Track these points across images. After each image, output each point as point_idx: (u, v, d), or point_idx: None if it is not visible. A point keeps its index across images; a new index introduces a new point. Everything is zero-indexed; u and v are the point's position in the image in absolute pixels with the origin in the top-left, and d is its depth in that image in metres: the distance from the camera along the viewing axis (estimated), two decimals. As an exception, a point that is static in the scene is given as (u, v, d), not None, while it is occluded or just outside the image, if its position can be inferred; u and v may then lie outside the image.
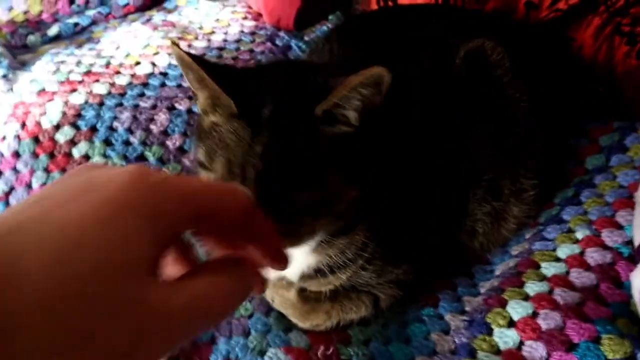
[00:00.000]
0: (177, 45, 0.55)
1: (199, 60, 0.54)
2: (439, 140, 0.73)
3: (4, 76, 0.92)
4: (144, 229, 0.27)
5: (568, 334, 0.61)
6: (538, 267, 0.71)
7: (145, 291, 0.26)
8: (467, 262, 0.80)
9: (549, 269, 0.70)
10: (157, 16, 1.11)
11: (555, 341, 0.61)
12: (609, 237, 0.70)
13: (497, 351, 0.64)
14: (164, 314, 0.27)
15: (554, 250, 0.73)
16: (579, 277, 0.68)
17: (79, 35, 1.10)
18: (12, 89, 0.90)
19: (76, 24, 1.12)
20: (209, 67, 0.54)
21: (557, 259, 0.71)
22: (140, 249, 0.27)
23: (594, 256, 0.69)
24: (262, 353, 0.65)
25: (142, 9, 1.16)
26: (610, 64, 0.87)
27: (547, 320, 0.63)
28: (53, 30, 1.10)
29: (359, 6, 1.09)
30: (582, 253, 0.70)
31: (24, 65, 0.97)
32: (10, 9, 1.11)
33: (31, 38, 1.09)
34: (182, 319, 0.28)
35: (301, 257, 0.63)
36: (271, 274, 0.70)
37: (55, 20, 1.13)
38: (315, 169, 0.53)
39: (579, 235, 0.72)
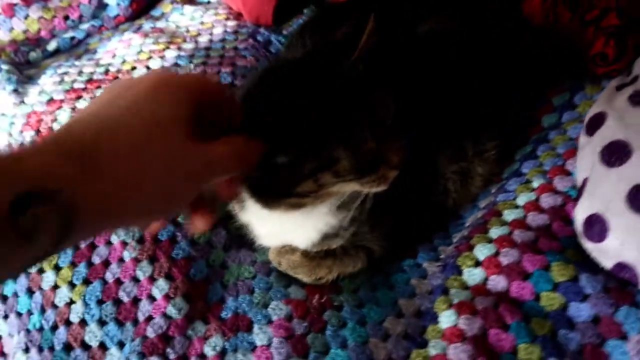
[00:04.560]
0: None
1: None
2: (409, 110, 0.82)
3: (15, 90, 1.02)
4: (178, 95, 0.45)
5: (524, 266, 0.72)
6: (500, 215, 0.82)
7: (186, 140, 0.44)
8: (443, 218, 0.90)
9: (510, 215, 0.80)
10: (146, 24, 1.20)
11: (514, 273, 0.72)
12: (560, 183, 0.81)
13: (466, 287, 0.74)
14: (197, 159, 0.45)
15: (514, 199, 0.83)
16: (534, 219, 0.78)
17: (76, 48, 1.20)
18: (23, 101, 1.00)
19: (72, 38, 1.21)
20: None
21: (517, 207, 0.81)
22: (180, 107, 0.44)
23: (547, 200, 0.79)
24: (266, 305, 0.75)
25: (131, 18, 1.25)
26: (558, 30, 0.96)
27: (507, 257, 0.74)
28: (52, 45, 1.20)
29: (330, -1, 1.19)
30: (537, 199, 0.81)
31: (30, 79, 1.07)
32: (11, 29, 1.21)
33: (33, 54, 1.18)
34: (210, 165, 0.46)
35: (325, 220, 0.73)
36: (275, 244, 0.80)
37: (53, 36, 1.22)
38: (382, 95, 0.64)
39: (535, 184, 0.83)
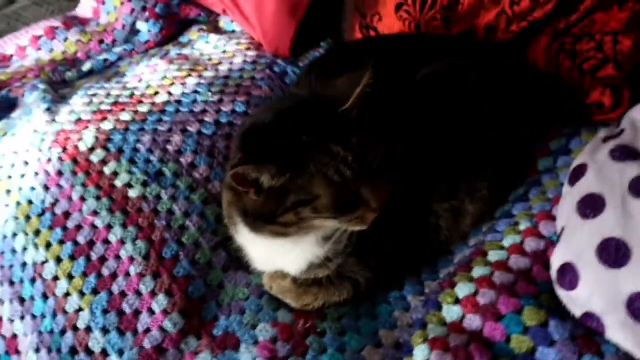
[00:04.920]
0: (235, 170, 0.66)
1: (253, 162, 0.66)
2: (406, 146, 0.87)
3: (48, 109, 1.11)
4: None
5: (499, 307, 0.75)
6: (486, 254, 0.85)
7: None
8: (433, 253, 0.94)
9: (494, 256, 0.84)
10: (173, 50, 1.29)
11: (489, 313, 0.75)
12: (545, 227, 0.83)
13: (444, 324, 0.78)
14: None
15: (501, 240, 0.86)
16: (516, 262, 0.81)
17: (108, 69, 1.29)
18: (54, 120, 1.09)
19: (105, 60, 1.31)
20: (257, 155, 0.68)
21: (502, 248, 0.84)
22: None
23: (531, 244, 0.82)
24: (254, 327, 0.81)
25: (160, 44, 1.34)
26: (559, 77, 0.99)
27: (485, 297, 0.77)
28: (86, 67, 1.30)
29: (346, 35, 1.25)
30: (522, 242, 0.84)
31: (63, 99, 1.16)
32: (51, 50, 1.32)
33: (69, 74, 1.28)
34: None
35: (312, 250, 0.79)
36: (268, 269, 0.86)
37: (88, 58, 1.32)
38: (371, 141, 0.70)
39: (522, 227, 0.86)
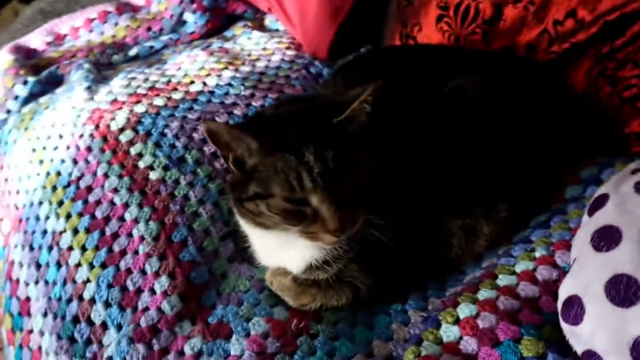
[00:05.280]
0: (210, 120, 0.71)
1: (230, 125, 0.71)
2: (422, 157, 0.85)
3: (89, 87, 1.15)
4: None
5: (497, 333, 0.72)
6: (495, 277, 0.82)
7: None
8: (443, 270, 0.91)
9: (503, 280, 0.80)
10: (216, 43, 1.31)
11: (486, 338, 0.72)
12: (561, 257, 0.80)
13: (439, 342, 0.75)
14: None
15: (513, 265, 0.82)
16: (524, 289, 0.77)
17: (152, 56, 1.34)
18: (92, 98, 1.13)
19: (151, 47, 1.35)
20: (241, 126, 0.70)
21: (513, 273, 0.81)
22: None
23: (543, 273, 0.79)
24: (249, 320, 0.81)
25: (205, 36, 1.37)
26: (598, 103, 0.95)
27: (485, 321, 0.74)
28: (133, 52, 1.34)
29: (386, 42, 1.24)
30: (534, 269, 0.80)
31: (105, 80, 1.21)
32: (102, 33, 1.37)
33: (115, 57, 1.33)
34: None
35: (310, 252, 0.78)
36: (272, 265, 0.86)
37: (136, 43, 1.37)
38: (351, 161, 0.69)
39: (537, 254, 0.82)
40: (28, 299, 0.96)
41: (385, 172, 0.80)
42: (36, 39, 1.39)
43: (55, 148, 1.07)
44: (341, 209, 0.67)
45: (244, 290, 0.87)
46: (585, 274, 0.68)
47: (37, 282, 0.96)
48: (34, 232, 1.00)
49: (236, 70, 1.19)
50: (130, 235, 0.92)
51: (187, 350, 0.78)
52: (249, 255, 0.88)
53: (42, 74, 1.26)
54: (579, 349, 0.67)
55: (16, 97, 1.23)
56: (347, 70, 0.99)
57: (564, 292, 0.71)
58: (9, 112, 1.23)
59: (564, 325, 0.69)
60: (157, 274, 0.86)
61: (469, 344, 0.73)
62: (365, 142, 0.71)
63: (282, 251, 0.80)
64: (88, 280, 0.89)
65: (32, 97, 1.23)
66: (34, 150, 1.10)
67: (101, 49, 1.34)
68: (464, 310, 0.77)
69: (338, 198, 0.67)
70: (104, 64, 1.31)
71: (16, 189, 1.08)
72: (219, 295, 0.86)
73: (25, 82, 1.23)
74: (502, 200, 0.88)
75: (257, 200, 0.69)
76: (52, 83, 1.26)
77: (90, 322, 0.85)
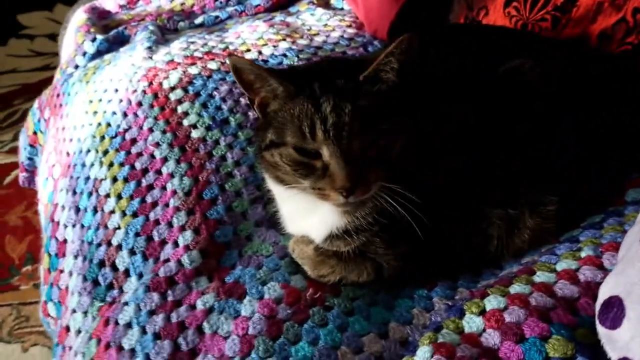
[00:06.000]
0: (235, 55, 0.70)
1: (257, 65, 0.68)
2: (465, 136, 0.79)
3: (149, 47, 1.18)
4: None
5: (523, 328, 0.65)
6: (532, 274, 0.75)
7: None
8: (478, 262, 0.84)
9: (541, 277, 0.73)
10: (278, 17, 1.31)
11: (510, 333, 0.65)
12: (609, 259, 0.72)
13: (460, 332, 0.69)
14: None
15: (555, 263, 0.75)
16: (563, 288, 0.70)
17: (217, 25, 1.35)
18: (151, 57, 1.16)
19: (217, 17, 1.37)
20: (268, 68, 0.69)
21: (552, 270, 0.74)
22: None
23: (586, 273, 0.71)
24: (264, 283, 0.78)
25: (270, 10, 1.37)
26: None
27: (512, 315, 0.67)
28: (199, 20, 1.37)
29: (452, 20, 1.18)
30: (577, 269, 0.72)
31: (167, 42, 1.23)
32: (172, 0, 1.40)
33: (182, 24, 1.36)
34: None
35: (332, 219, 0.76)
36: (296, 232, 0.83)
37: (203, 12, 1.39)
38: (371, 120, 0.66)
39: (583, 254, 0.74)
40: (65, 241, 0.99)
41: (423, 144, 0.76)
42: (110, 1, 1.45)
43: (110, 101, 1.10)
44: (352, 167, 0.64)
45: (266, 254, 0.85)
46: (631, 274, 0.60)
47: (74, 226, 0.98)
48: (78, 178, 1.03)
49: (293, 42, 1.18)
50: (164, 188, 0.92)
51: (199, 304, 0.77)
52: (276, 221, 0.86)
53: (110, 33, 1.31)
54: (613, 355, 0.59)
55: (84, 54, 1.29)
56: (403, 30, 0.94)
57: (604, 292, 0.63)
58: (77, 67, 1.29)
59: (599, 328, 0.61)
60: (182, 228, 0.86)
61: (491, 337, 0.66)
62: (395, 105, 0.67)
63: (306, 217, 0.77)
64: (118, 227, 0.90)
65: (99, 54, 1.28)
66: (90, 101, 1.14)
67: (169, 15, 1.37)
68: (492, 302, 0.71)
69: (351, 155, 0.64)
70: (170, 29, 1.34)
71: (70, 137, 1.12)
72: (240, 257, 0.85)
73: (93, 40, 1.28)
74: (552, 193, 0.81)
75: (272, 149, 0.67)
76: (119, 42, 1.31)
77: (114, 268, 0.86)
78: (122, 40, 1.31)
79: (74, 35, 1.32)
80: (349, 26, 1.25)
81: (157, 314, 0.77)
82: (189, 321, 0.76)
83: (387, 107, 0.67)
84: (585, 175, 0.83)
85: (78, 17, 1.36)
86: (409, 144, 0.71)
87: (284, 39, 1.19)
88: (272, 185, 0.78)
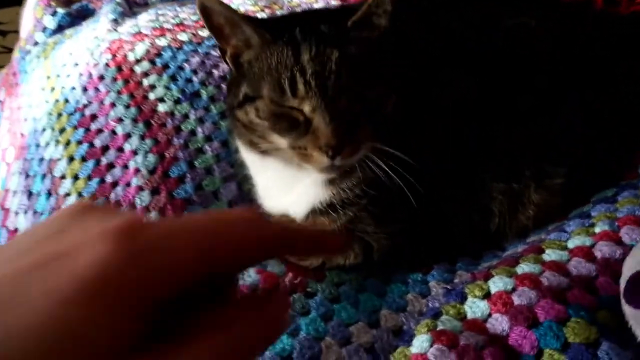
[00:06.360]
0: None
1: (229, 7, 0.59)
2: (464, 101, 0.71)
3: (114, 20, 1.08)
4: (118, 315, 0.22)
5: (536, 311, 0.56)
6: (541, 252, 0.66)
7: None
8: (479, 242, 0.76)
9: (551, 255, 0.65)
10: (259, -11, 1.21)
11: (521, 317, 0.57)
12: (628, 233, 0.64)
13: (462, 318, 0.61)
14: None
15: (566, 240, 0.67)
16: (578, 266, 0.62)
17: (191, -1, 1.25)
18: (116, 30, 1.05)
19: (191, -9, 1.27)
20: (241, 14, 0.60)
21: (564, 248, 0.66)
22: (107, 342, 0.22)
23: (603, 249, 0.63)
24: (237, 269, 0.69)
25: (248, -18, 1.28)
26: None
27: (522, 296, 0.59)
28: (172, -6, 1.26)
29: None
30: (592, 245, 0.64)
31: (134, 15, 1.13)
32: (142, -28, 1.30)
33: (153, -1, 1.26)
34: None
35: (315, 191, 0.67)
36: (274, 210, 0.74)
37: (178, -15, 1.29)
38: (360, 69, 0.57)
39: (597, 229, 0.66)
40: (16, 230, 0.88)
41: (418, 109, 0.67)
42: (75, -25, 1.34)
43: (69, 76, 1.00)
44: (339, 123, 0.54)
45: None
46: (662, 244, 0.52)
47: (26, 212, 0.88)
48: (32, 160, 0.92)
49: (272, 13, 1.08)
50: (125, 167, 0.82)
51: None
52: (251, 200, 0.77)
53: (73, 7, 1.20)
54: (644, 338, 0.51)
55: (44, 29, 1.18)
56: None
57: (629, 268, 0.55)
58: (36, 43, 1.18)
59: (626, 309, 0.53)
60: (146, 209, 0.76)
61: (499, 323, 0.57)
62: (386, 56, 0.58)
63: (285, 191, 0.68)
64: (75, 211, 0.80)
65: (60, 29, 1.17)
66: (48, 77, 1.03)
67: (139, -11, 1.27)
68: (497, 283, 0.62)
69: (337, 109, 0.55)
70: (139, 3, 1.24)
71: (25, 116, 1.02)
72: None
73: (54, 14, 1.17)
74: (559, 165, 0.72)
75: (247, 104, 0.58)
76: (83, 17, 1.20)
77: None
78: (86, 15, 1.20)
79: (33, 9, 1.21)
80: (333, -2, 1.16)
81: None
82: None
83: (378, 58, 0.58)
84: (593, 150, 0.75)
85: (38, -10, 1.25)
86: (402, 104, 0.62)
87: (262, 10, 1.09)
88: (246, 154, 0.68)
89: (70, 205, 0.26)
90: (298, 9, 1.12)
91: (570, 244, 0.65)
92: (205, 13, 0.58)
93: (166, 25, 1.06)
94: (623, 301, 0.53)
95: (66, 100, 0.96)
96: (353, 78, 0.56)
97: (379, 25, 0.58)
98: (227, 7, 0.58)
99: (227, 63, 0.62)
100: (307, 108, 0.55)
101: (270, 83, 0.56)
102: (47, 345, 0.21)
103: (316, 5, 1.13)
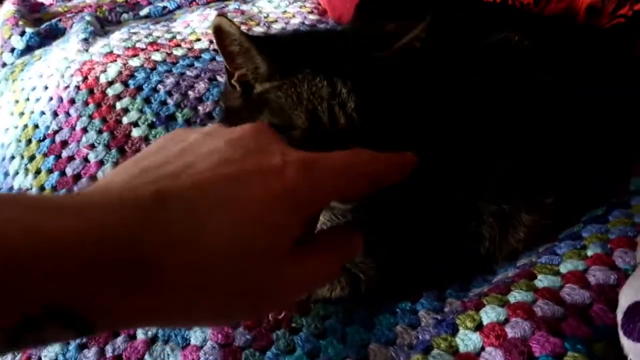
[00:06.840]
0: (225, 16, 0.54)
1: (247, 35, 0.55)
2: (453, 120, 0.69)
3: (85, 39, 1.04)
4: (295, 219, 0.33)
5: (531, 345, 0.54)
6: (533, 278, 0.64)
7: (279, 270, 0.32)
8: (469, 267, 0.73)
9: (543, 281, 0.63)
10: (233, 5, 1.19)
11: (515, 351, 0.54)
12: (621, 257, 0.61)
13: (454, 352, 0.58)
14: (284, 286, 0.33)
15: (558, 264, 0.65)
16: (571, 293, 0.59)
17: (164, 16, 1.22)
18: (87, 50, 1.02)
19: (164, 7, 1.23)
20: (257, 40, 0.56)
21: (556, 273, 0.63)
22: (290, 235, 0.33)
23: (597, 275, 0.61)
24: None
25: (224, -1, 1.25)
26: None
27: (516, 328, 0.56)
28: (144, 11, 1.23)
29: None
30: (585, 270, 0.62)
31: (106, 34, 1.09)
32: (115, -11, 1.27)
33: (125, 16, 1.22)
34: (294, 291, 0.35)
35: None
36: None
37: (149, 3, 1.25)
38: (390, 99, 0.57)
39: (590, 252, 0.64)
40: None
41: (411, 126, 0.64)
42: (44, -7, 1.30)
43: (38, 100, 0.96)
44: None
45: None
46: (660, 274, 0.50)
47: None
48: (0, 190, 0.88)
49: (249, 30, 1.06)
50: (86, 159, 0.80)
51: (140, 334, 0.64)
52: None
53: (42, 26, 1.16)
54: (645, 375, 0.48)
55: (13, 50, 1.13)
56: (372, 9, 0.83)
57: (625, 298, 0.53)
58: (4, 65, 1.13)
59: (625, 341, 0.51)
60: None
61: (493, 357, 0.55)
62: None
63: None
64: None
65: (29, 50, 1.13)
66: (16, 102, 0.99)
67: (111, 6, 1.23)
68: (490, 314, 0.59)
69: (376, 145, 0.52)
70: (112, 21, 1.20)
71: (-7, 143, 0.97)
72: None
73: (22, 34, 1.13)
74: (550, 185, 0.70)
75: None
76: (53, 37, 1.16)
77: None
78: (55, 34, 1.16)
79: (0, 29, 1.16)
80: (311, 12, 1.13)
81: (89, 348, 0.64)
82: (127, 354, 0.63)
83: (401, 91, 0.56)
84: (583, 162, 0.73)
85: (5, 9, 1.20)
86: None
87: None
88: None
89: (249, 126, 0.37)
90: (274, 26, 1.10)
91: (563, 269, 0.63)
92: (221, 35, 0.54)
93: (139, 45, 1.02)
94: (621, 333, 0.51)
95: (36, 126, 0.92)
96: (381, 110, 0.54)
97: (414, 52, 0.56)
98: (245, 36, 0.53)
99: (233, 84, 0.59)
100: (343, 139, 0.52)
101: (309, 115, 0.53)
102: (262, 229, 0.31)
103: (293, 21, 1.11)
